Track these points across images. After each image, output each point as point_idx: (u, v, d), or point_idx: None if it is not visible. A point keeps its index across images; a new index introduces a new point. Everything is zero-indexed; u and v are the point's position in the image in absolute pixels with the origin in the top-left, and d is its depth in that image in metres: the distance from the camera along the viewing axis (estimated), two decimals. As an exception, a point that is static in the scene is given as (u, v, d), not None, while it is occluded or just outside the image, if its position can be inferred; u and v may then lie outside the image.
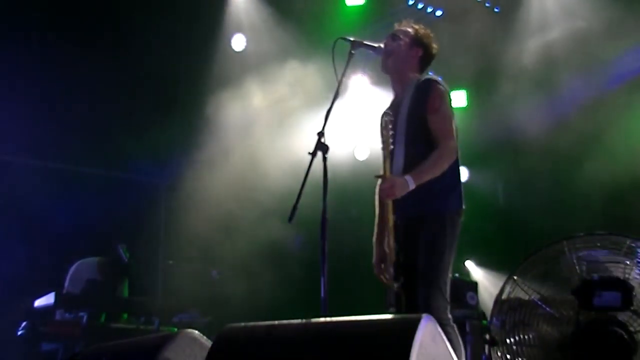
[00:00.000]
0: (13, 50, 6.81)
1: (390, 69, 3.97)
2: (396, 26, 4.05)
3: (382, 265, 3.80)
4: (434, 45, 4.00)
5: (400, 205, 3.70)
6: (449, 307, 3.64)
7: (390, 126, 3.69)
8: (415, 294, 3.63)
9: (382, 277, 3.79)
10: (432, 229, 3.69)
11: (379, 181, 3.75)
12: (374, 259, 3.92)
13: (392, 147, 3.68)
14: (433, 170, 3.63)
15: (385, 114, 3.89)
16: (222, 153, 7.99)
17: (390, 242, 3.67)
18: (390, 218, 3.65)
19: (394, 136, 3.79)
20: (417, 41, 3.96)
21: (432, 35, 4.01)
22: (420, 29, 4.00)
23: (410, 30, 3.98)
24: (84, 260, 6.37)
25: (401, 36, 3.95)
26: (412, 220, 3.75)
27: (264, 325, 2.49)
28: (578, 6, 7.56)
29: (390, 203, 3.64)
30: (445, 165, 3.65)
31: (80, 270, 6.28)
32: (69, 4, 7.21)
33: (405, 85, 3.92)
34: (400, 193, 3.57)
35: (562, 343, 4.61)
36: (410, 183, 3.56)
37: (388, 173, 3.64)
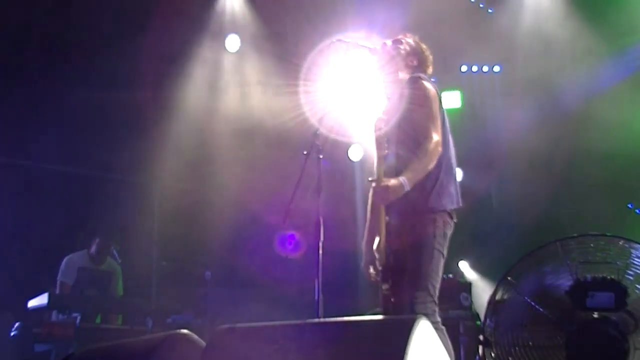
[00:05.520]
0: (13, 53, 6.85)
1: (385, 71, 3.99)
2: (401, 36, 4.08)
3: (371, 268, 3.80)
4: (429, 64, 4.05)
5: (391, 205, 3.69)
6: (437, 310, 3.59)
7: (382, 129, 3.68)
8: (402, 296, 3.60)
9: (372, 280, 3.79)
10: (421, 229, 3.65)
11: (373, 185, 3.73)
12: (362, 263, 3.92)
13: (386, 151, 3.66)
14: (424, 167, 3.60)
15: (379, 116, 3.90)
16: (216, 154, 7.99)
17: (382, 244, 3.67)
18: (383, 220, 3.64)
19: (387, 138, 3.78)
20: (416, 52, 4.00)
21: (430, 54, 4.05)
22: (422, 43, 4.05)
23: (411, 40, 4.03)
24: (74, 253, 6.43)
25: (403, 41, 4.00)
26: (402, 220, 3.75)
27: (258, 326, 2.49)
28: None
29: (383, 206, 3.63)
30: (433, 160, 3.62)
31: (71, 262, 6.35)
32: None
33: (397, 87, 3.94)
34: (395, 196, 3.53)
35: (555, 344, 4.61)
36: (406, 185, 3.53)
37: (382, 177, 3.61)
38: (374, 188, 3.65)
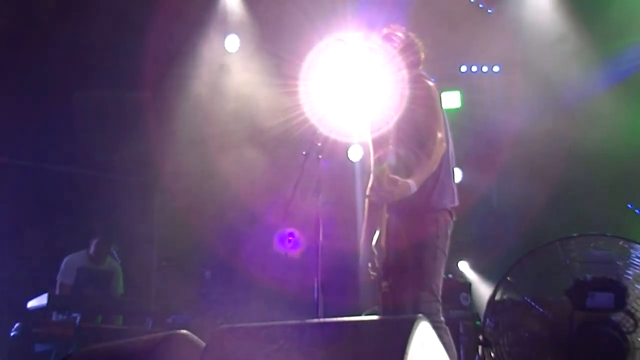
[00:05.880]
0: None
1: (385, 70, 3.98)
2: (386, 30, 4.07)
3: (370, 265, 3.80)
4: (422, 54, 4.03)
5: (393, 204, 3.69)
6: (441, 309, 3.59)
7: (381, 129, 3.67)
8: (404, 295, 3.60)
9: (373, 278, 3.79)
10: (424, 229, 3.64)
11: (370, 184, 3.71)
12: (361, 261, 3.91)
13: (392, 150, 3.66)
14: (431, 167, 3.60)
15: (378, 116, 3.90)
16: (215, 154, 7.98)
17: (382, 242, 3.66)
18: (385, 218, 3.63)
19: (387, 138, 3.78)
20: (409, 45, 3.99)
21: (421, 42, 4.04)
22: (412, 34, 4.04)
23: (401, 34, 4.01)
24: (74, 253, 6.44)
25: (394, 38, 3.98)
26: (404, 220, 3.74)
27: (258, 326, 2.49)
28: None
29: (385, 204, 3.62)
30: (439, 159, 3.62)
31: (70, 262, 6.36)
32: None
33: (398, 86, 3.94)
34: (399, 197, 3.50)
35: (555, 344, 4.61)
36: (413, 187, 3.51)
37: (386, 176, 3.58)
38: (379, 188, 3.62)
